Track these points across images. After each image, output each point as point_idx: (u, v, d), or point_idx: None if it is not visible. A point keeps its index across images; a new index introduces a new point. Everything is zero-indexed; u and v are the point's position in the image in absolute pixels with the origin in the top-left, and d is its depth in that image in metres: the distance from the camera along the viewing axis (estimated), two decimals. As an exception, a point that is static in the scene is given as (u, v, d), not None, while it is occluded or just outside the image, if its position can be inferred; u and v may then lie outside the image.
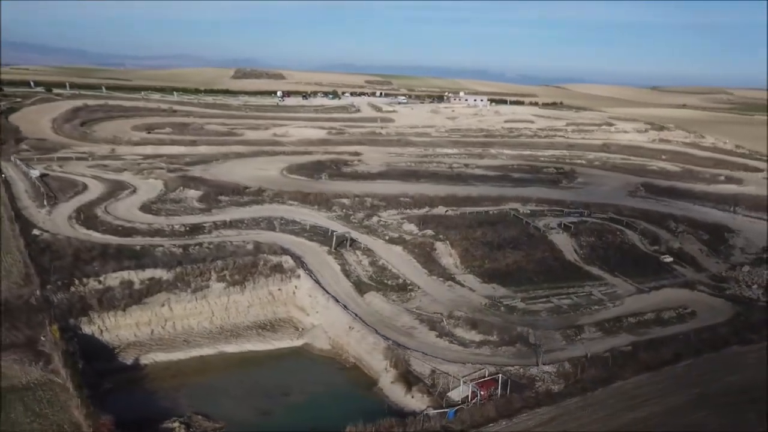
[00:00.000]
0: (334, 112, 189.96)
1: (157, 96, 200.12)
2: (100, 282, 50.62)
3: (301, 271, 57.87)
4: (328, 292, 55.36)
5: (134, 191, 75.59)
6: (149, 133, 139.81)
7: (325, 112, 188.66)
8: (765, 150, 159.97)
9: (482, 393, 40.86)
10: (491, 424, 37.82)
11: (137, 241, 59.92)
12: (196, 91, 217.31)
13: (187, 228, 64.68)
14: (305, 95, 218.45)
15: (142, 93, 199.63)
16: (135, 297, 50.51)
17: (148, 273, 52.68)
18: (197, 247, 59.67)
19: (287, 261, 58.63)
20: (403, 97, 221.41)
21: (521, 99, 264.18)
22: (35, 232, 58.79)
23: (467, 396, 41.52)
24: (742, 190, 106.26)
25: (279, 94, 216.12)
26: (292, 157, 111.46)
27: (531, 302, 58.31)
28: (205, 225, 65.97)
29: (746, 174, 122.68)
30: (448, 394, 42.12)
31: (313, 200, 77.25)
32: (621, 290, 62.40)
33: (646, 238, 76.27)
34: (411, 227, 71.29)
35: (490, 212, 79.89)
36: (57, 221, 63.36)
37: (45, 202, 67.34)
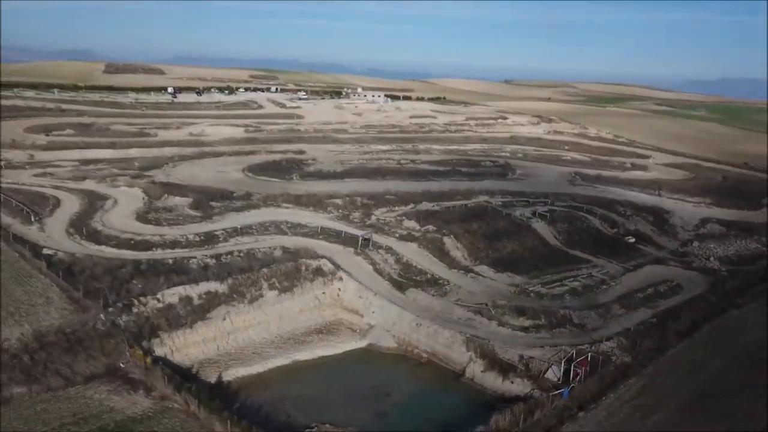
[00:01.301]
0: (236, 109, 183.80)
1: (31, 93, 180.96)
2: (158, 300, 47.67)
3: (342, 274, 58.22)
4: (375, 292, 56.43)
5: (116, 202, 69.94)
6: (48, 135, 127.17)
7: (228, 109, 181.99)
8: (638, 138, 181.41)
9: (579, 371, 44.89)
10: (603, 398, 42.02)
11: (161, 255, 56.57)
12: (76, 88, 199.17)
13: (202, 237, 61.87)
14: (199, 91, 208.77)
15: (15, 90, 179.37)
16: (198, 313, 48.36)
17: (203, 287, 50.44)
18: (228, 256, 57.62)
19: (326, 264, 58.65)
20: (304, 93, 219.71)
21: (408, 94, 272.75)
22: (47, 251, 53.25)
23: (561, 376, 45.37)
24: (649, 175, 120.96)
25: (170, 90, 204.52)
26: (238, 157, 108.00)
27: (549, 287, 63.41)
28: (217, 233, 63.40)
29: (640, 161, 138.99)
30: (545, 376, 45.71)
31: (307, 202, 76.70)
32: (611, 270, 69.64)
33: (606, 222, 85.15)
34: (412, 224, 73.62)
35: (469, 205, 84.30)
36: (57, 238, 57.64)
37: (32, 219, 60.58)
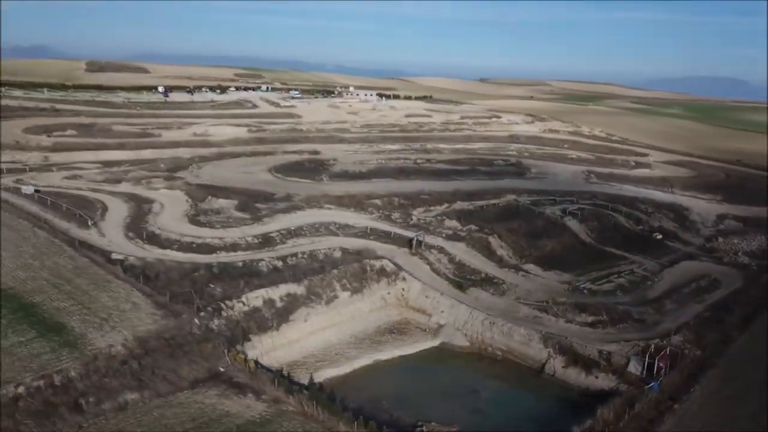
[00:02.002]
0: (232, 108, 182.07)
1: (19, 93, 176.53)
2: (244, 303, 47.77)
3: (405, 274, 58.95)
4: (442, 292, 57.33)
5: (162, 205, 69.26)
6: (50, 136, 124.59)
7: (223, 109, 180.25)
8: (627, 136, 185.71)
9: (662, 365, 46.51)
10: (692, 390, 43.69)
11: (226, 258, 56.50)
12: (65, 87, 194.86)
13: (259, 240, 61.87)
14: (190, 90, 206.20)
15: (3, 89, 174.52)
16: (282, 315, 48.68)
17: (283, 289, 50.67)
18: (293, 258, 57.81)
19: (388, 264, 59.33)
20: (297, 92, 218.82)
21: (396, 93, 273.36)
22: (116, 256, 52.70)
23: (644, 370, 46.91)
24: (656, 173, 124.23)
25: (161, 89, 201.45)
26: (256, 158, 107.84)
27: (597, 283, 65.11)
28: (272, 235, 63.46)
29: (641, 159, 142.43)
30: (628, 369, 47.24)
31: (348, 203, 77.14)
32: (649, 266, 71.78)
33: (631, 219, 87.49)
34: (453, 223, 74.68)
35: (500, 204, 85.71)
36: (118, 242, 57.00)
37: (89, 223, 59.73)
